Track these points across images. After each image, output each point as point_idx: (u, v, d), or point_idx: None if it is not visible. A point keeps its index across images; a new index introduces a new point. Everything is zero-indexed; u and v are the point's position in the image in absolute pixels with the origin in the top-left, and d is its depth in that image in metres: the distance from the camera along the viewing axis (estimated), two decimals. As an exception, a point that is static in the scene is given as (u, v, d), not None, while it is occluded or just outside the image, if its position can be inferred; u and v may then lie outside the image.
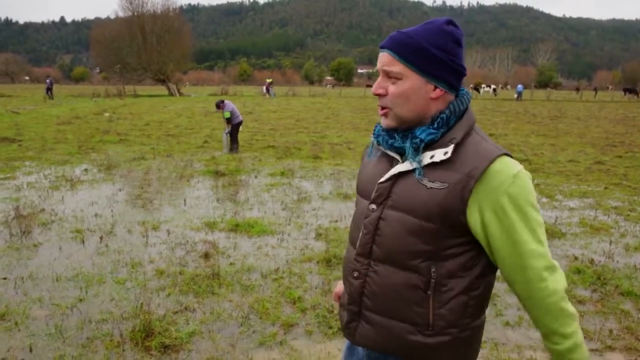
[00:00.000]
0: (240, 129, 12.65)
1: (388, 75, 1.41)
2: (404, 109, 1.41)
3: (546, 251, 1.36)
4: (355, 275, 1.50)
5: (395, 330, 1.44)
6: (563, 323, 1.37)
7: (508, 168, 1.34)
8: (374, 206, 1.46)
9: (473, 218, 1.35)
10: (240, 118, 12.42)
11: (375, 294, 1.46)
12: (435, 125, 1.40)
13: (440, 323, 1.41)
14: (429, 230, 1.37)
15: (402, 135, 1.43)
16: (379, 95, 1.43)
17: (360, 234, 1.49)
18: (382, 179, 1.46)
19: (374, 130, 1.55)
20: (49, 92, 36.56)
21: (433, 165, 1.38)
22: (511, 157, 1.39)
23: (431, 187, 1.36)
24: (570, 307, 1.37)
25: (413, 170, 1.40)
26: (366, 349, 1.55)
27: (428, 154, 1.39)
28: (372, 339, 1.49)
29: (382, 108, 1.44)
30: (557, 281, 1.36)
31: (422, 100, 1.41)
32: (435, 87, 1.40)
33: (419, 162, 1.39)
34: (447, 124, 1.41)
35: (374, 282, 1.46)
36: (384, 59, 1.41)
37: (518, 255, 1.34)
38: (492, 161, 1.33)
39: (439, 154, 1.37)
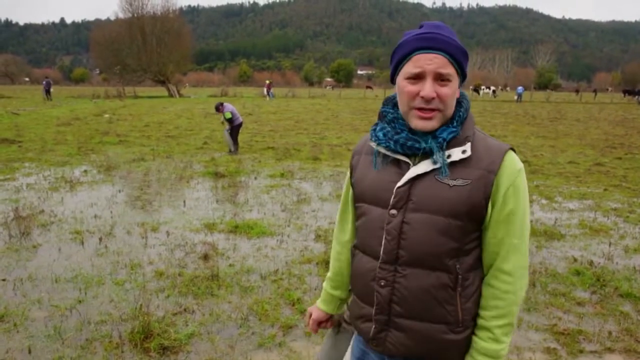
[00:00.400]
0: (240, 130, 12.66)
1: (439, 77, 1.39)
2: (452, 109, 1.44)
3: (527, 251, 1.46)
4: (383, 283, 1.48)
5: (428, 332, 1.45)
6: (504, 327, 1.44)
7: (515, 162, 1.44)
8: (394, 211, 1.45)
9: (489, 209, 1.42)
10: (241, 120, 12.44)
11: (406, 299, 1.45)
12: (455, 123, 1.45)
13: (467, 317, 1.45)
14: (456, 228, 1.41)
15: (431, 136, 1.44)
16: (431, 98, 1.39)
17: (384, 241, 1.47)
18: (400, 183, 1.45)
19: (376, 136, 1.52)
20: (47, 94, 36.78)
21: (451, 164, 1.42)
22: (515, 151, 1.48)
23: (455, 185, 1.40)
24: (516, 319, 1.47)
25: (429, 172, 1.43)
26: (397, 357, 1.52)
27: (445, 153, 1.43)
28: (405, 345, 1.48)
29: (429, 111, 1.41)
30: (523, 286, 1.46)
31: (456, 100, 1.47)
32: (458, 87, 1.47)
33: (444, 160, 1.41)
34: (462, 121, 1.46)
35: (403, 288, 1.45)
36: (439, 61, 1.38)
37: (504, 245, 1.43)
38: (504, 155, 1.42)
39: (456, 153, 1.42)
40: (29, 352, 3.35)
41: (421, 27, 1.45)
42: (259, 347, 3.48)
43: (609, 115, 29.09)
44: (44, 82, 38.25)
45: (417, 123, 1.42)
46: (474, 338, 1.46)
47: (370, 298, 1.52)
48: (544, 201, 7.82)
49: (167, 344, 3.42)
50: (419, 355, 1.48)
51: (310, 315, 1.82)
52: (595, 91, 66.79)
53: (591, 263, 5.12)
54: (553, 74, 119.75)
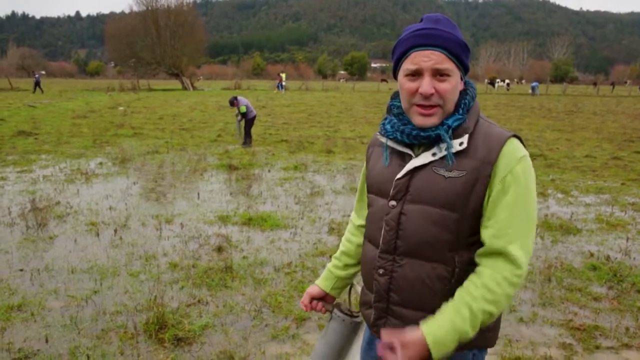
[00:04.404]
0: (254, 123, 12.67)
1: (438, 73, 1.38)
2: (452, 104, 1.43)
3: (529, 246, 1.39)
4: (381, 272, 1.51)
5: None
6: (487, 315, 1.35)
7: (515, 150, 1.40)
8: (393, 202, 1.48)
9: (486, 197, 1.40)
10: (254, 113, 12.46)
11: (403, 288, 1.47)
12: (460, 111, 1.44)
13: None
14: (451, 219, 1.40)
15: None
16: (430, 95, 1.38)
17: (383, 231, 1.50)
18: (399, 175, 1.47)
19: (385, 129, 1.53)
20: (38, 87, 37.92)
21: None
22: (520, 138, 1.45)
23: (450, 177, 1.40)
24: (486, 315, 1.35)
25: (428, 164, 1.43)
26: None
27: (443, 145, 1.42)
28: None
29: (429, 107, 1.40)
30: (511, 285, 1.36)
31: (458, 93, 1.45)
32: (461, 79, 1.46)
33: (450, 146, 1.40)
34: (468, 109, 1.46)
35: (400, 277, 1.47)
36: (436, 57, 1.38)
37: (504, 236, 1.37)
38: (503, 144, 1.39)
39: (454, 144, 1.41)
40: (46, 341, 3.39)
41: (421, 20, 1.45)
42: (273, 339, 3.49)
43: (627, 108, 28.65)
44: (36, 76, 40.18)
45: (417, 120, 1.43)
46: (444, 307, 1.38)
47: (372, 286, 1.56)
48: (559, 195, 7.73)
49: (181, 335, 3.44)
50: None
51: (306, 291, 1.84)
52: (612, 84, 65.80)
53: (608, 258, 5.05)
54: (569, 66, 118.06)
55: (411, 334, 1.32)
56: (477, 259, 1.43)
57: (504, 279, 1.35)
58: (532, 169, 1.42)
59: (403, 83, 1.43)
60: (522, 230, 1.38)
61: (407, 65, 1.42)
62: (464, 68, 1.44)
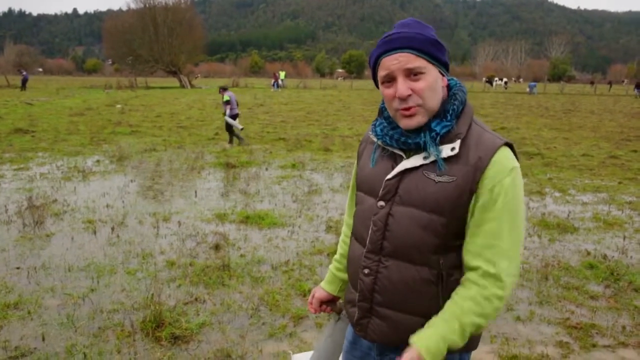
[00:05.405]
0: (237, 121, 12.57)
1: (410, 73, 1.38)
2: (434, 101, 1.41)
3: (519, 257, 1.39)
4: (366, 272, 1.51)
5: (408, 323, 1.46)
6: (462, 327, 1.37)
7: (506, 160, 1.38)
8: (382, 203, 1.48)
9: (470, 207, 1.39)
10: (236, 111, 12.36)
11: (387, 289, 1.47)
12: (449, 117, 1.42)
13: None
14: (439, 224, 1.40)
15: (427, 130, 1.42)
16: (407, 97, 1.38)
17: (370, 231, 1.50)
18: (390, 176, 1.47)
19: (375, 132, 1.54)
20: (24, 85, 37.78)
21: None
22: (512, 146, 1.44)
23: (440, 181, 1.39)
24: (474, 327, 1.38)
25: (419, 167, 1.43)
26: (379, 343, 1.55)
27: (438, 148, 1.42)
28: (385, 334, 1.50)
29: (409, 108, 1.39)
30: (499, 299, 1.37)
31: (441, 89, 1.44)
32: (442, 75, 1.45)
33: (438, 154, 1.39)
34: (457, 114, 1.44)
35: (385, 278, 1.47)
36: (404, 58, 1.37)
37: (491, 247, 1.37)
38: (495, 151, 1.38)
39: (445, 150, 1.41)
40: (43, 339, 3.39)
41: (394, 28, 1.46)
42: (270, 337, 3.49)
43: (624, 107, 28.71)
44: (25, 73, 39.98)
45: (403, 122, 1.43)
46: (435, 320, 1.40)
47: (357, 284, 1.55)
48: (557, 194, 7.74)
49: (179, 333, 3.44)
50: (398, 344, 1.48)
51: (314, 295, 1.84)
52: (610, 83, 65.93)
53: (605, 257, 5.06)
54: (567, 65, 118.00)
55: (407, 352, 1.36)
56: (465, 264, 1.42)
57: (492, 295, 1.36)
58: (522, 181, 1.41)
59: (382, 91, 1.44)
60: (509, 243, 1.37)
61: (380, 72, 1.42)
62: (441, 64, 1.42)
